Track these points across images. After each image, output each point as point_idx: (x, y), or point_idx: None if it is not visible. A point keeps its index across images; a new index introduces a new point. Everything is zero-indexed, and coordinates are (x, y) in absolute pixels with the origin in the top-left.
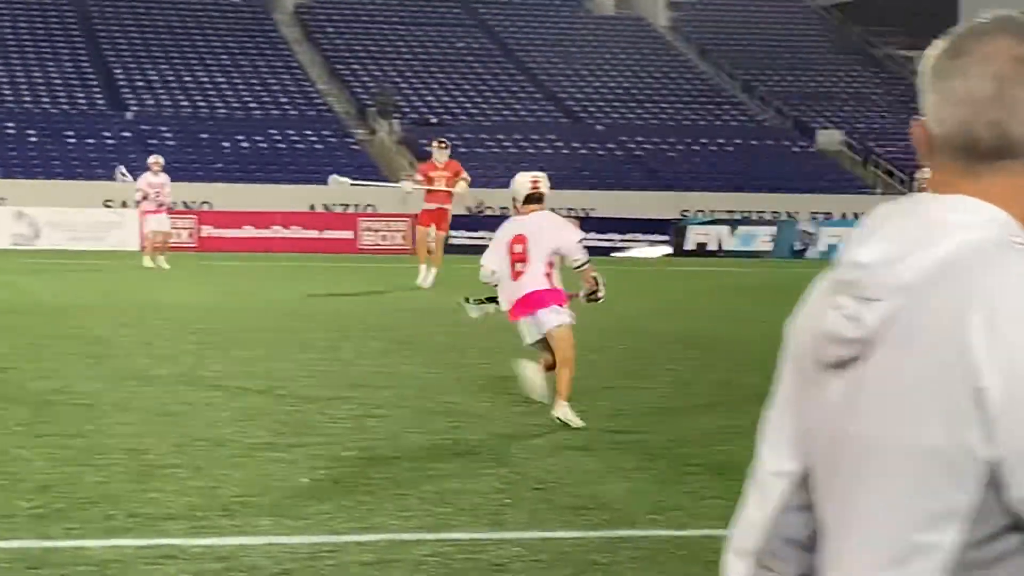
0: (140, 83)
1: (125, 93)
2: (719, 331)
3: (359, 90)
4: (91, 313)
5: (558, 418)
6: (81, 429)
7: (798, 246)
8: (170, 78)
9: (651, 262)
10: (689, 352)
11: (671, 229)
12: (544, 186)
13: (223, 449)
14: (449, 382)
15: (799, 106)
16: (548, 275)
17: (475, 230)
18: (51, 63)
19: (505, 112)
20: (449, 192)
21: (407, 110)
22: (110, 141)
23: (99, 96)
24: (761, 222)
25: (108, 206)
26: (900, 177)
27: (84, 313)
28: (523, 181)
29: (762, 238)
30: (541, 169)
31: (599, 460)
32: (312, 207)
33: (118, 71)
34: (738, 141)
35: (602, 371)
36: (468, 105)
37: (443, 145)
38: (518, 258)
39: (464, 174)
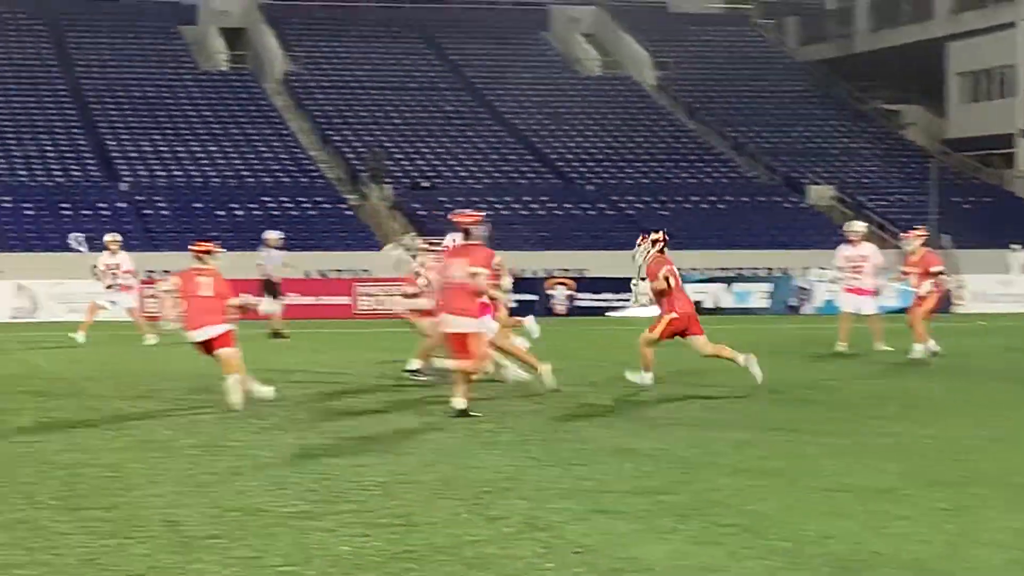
0: (133, 154)
1: (119, 164)
2: (726, 389)
3: (350, 155)
4: (102, 384)
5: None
6: (115, 501)
7: (794, 302)
8: (163, 149)
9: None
10: (704, 412)
11: None
12: None
13: (258, 518)
14: (473, 446)
15: (789, 162)
16: None
17: None
18: (45, 137)
19: (496, 175)
20: None
21: (399, 174)
22: (105, 212)
23: (93, 168)
24: (756, 279)
25: None
26: (892, 230)
27: (95, 385)
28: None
29: (758, 295)
30: (534, 231)
31: (633, 522)
32: (307, 274)
33: (111, 143)
34: (729, 198)
35: (618, 432)
36: (459, 168)
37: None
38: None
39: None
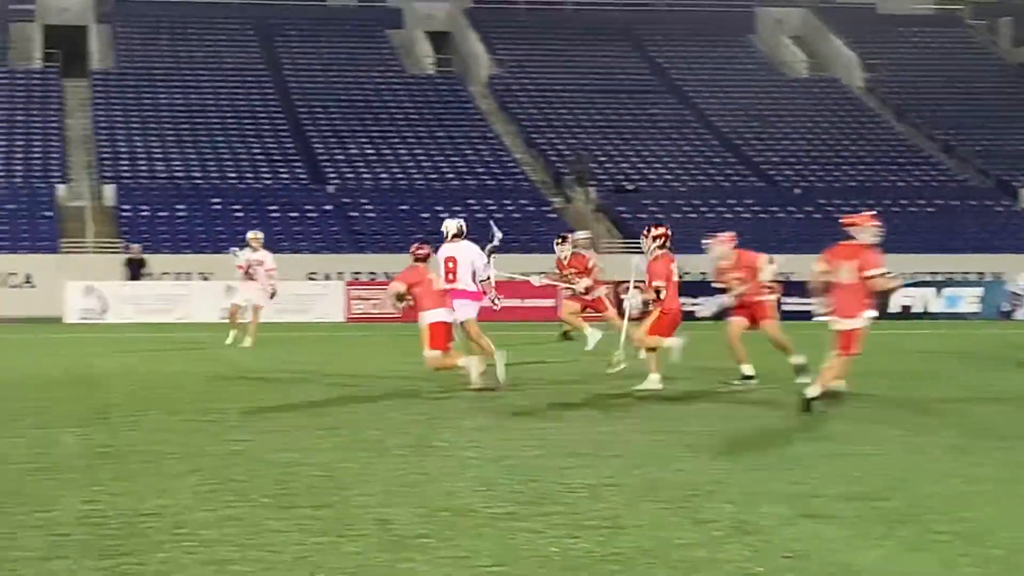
0: (340, 157)
1: (326, 167)
2: (938, 394)
3: (555, 158)
4: (309, 382)
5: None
6: (327, 500)
7: (1006, 307)
8: (369, 152)
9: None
10: (916, 416)
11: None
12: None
13: (467, 519)
14: (677, 449)
15: (1001, 165)
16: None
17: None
18: (254, 140)
19: (700, 177)
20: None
21: (603, 177)
22: (312, 215)
23: (301, 171)
24: (967, 283)
25: (312, 278)
26: None
27: (304, 385)
28: (456, 223)
29: (969, 300)
30: (738, 234)
31: (843, 527)
32: (512, 276)
33: (319, 146)
34: (939, 201)
35: (827, 436)
36: (663, 171)
37: (561, 240)
38: (450, 270)
39: (591, 263)
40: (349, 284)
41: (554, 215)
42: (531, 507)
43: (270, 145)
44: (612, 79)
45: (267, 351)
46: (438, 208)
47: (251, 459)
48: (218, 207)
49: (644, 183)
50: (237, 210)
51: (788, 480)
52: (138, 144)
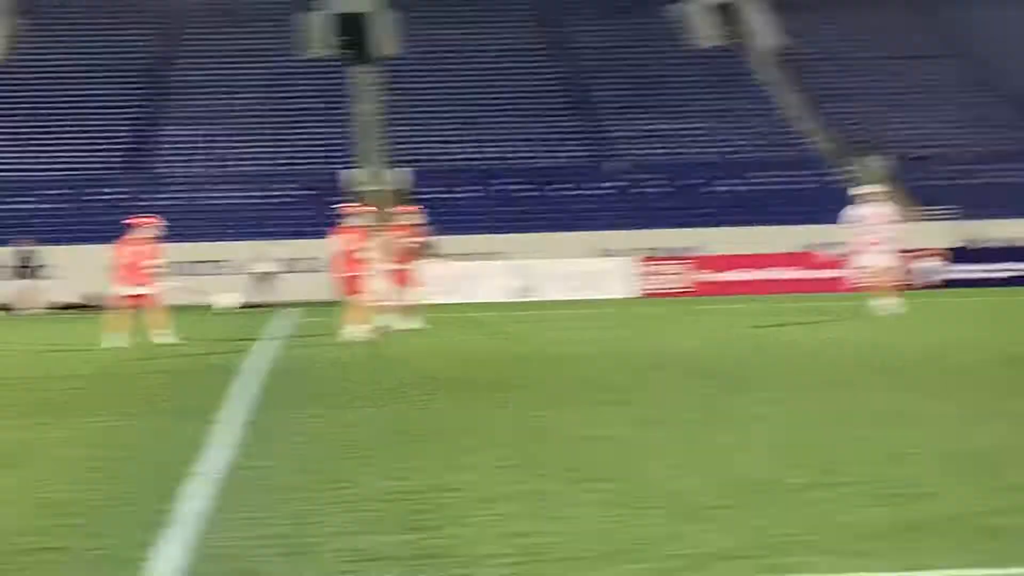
0: (624, 134)
1: (609, 145)
2: None
3: (842, 128)
4: (602, 359)
5: None
6: (621, 473)
7: None
8: (653, 127)
9: None
10: None
11: None
12: None
13: (762, 490)
14: (976, 416)
15: None
16: None
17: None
18: (538, 120)
19: (990, 142)
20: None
21: (892, 146)
22: (595, 193)
23: (585, 149)
24: None
25: (607, 255)
26: None
27: (597, 359)
28: None
29: None
30: None
31: None
32: (804, 248)
33: (602, 124)
34: None
35: None
36: (953, 137)
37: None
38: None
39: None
40: (640, 260)
41: (842, 186)
42: (828, 477)
43: (554, 124)
44: (896, 45)
45: (560, 328)
46: (724, 182)
47: (548, 434)
48: (502, 187)
49: (934, 149)
50: (522, 190)
51: None
52: (424, 128)
